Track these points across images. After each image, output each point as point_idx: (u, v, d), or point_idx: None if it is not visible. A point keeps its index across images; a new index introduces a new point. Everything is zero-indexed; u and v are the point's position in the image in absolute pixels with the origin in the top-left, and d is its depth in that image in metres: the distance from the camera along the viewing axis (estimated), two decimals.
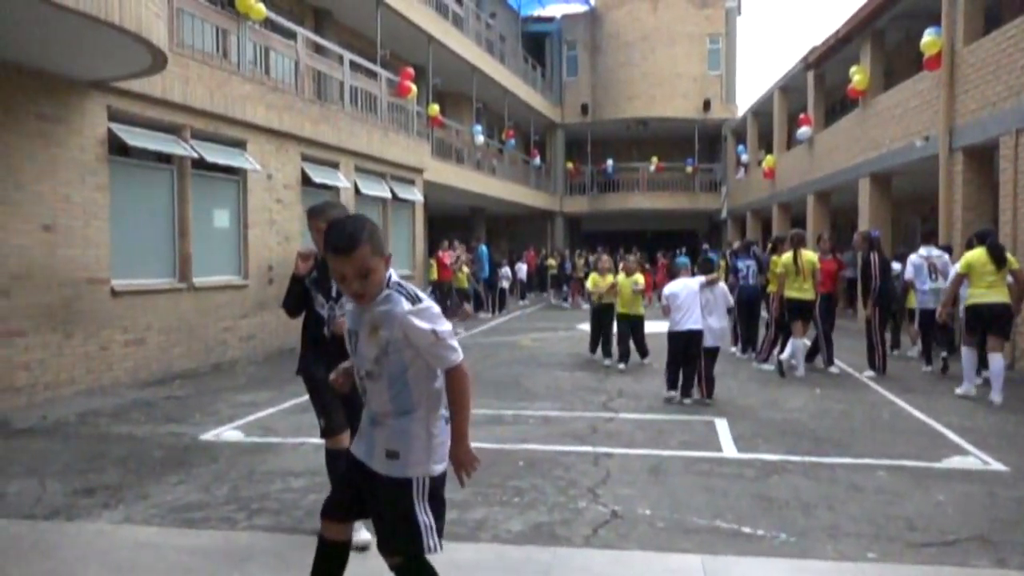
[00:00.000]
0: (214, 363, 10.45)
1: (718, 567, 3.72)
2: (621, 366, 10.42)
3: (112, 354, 8.78)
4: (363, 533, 3.93)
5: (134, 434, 6.60)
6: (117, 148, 8.99)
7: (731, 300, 8.80)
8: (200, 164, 10.19)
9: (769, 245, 11.45)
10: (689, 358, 8.02)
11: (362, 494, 2.68)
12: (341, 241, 2.49)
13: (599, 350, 11.27)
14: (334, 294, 4.07)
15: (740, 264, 11.45)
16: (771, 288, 10.47)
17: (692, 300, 7.96)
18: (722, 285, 8.59)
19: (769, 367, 10.17)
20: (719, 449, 6.10)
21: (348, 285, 2.56)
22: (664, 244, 29.73)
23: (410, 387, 2.57)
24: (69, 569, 3.66)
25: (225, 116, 10.52)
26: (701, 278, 8.22)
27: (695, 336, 7.94)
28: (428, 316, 2.53)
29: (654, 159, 32.79)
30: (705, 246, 23.47)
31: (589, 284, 11.20)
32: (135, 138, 9.02)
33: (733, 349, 11.87)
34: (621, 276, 10.67)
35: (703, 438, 6.48)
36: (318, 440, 4.34)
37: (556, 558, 3.83)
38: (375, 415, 2.64)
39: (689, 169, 32.92)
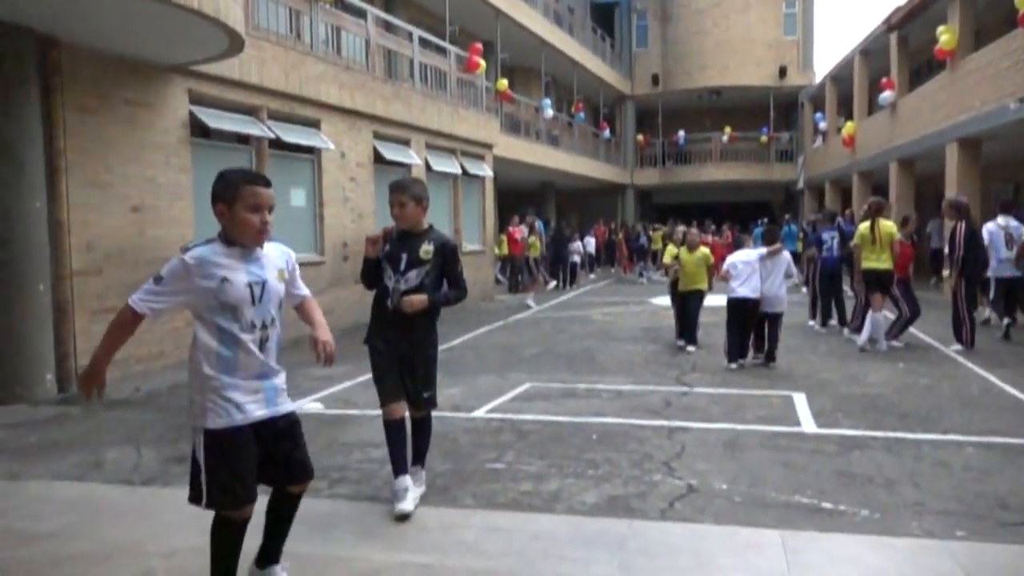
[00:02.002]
0: (293, 338, 10.74)
1: (798, 543, 3.67)
2: (691, 348, 9.63)
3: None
4: (406, 503, 4.05)
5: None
6: (198, 130, 9.28)
7: (793, 269, 9.08)
8: (276, 144, 10.43)
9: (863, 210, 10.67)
10: (745, 324, 8.54)
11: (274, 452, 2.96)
12: None
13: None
14: (402, 268, 4.14)
15: (825, 236, 11.10)
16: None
17: (751, 270, 8.44)
18: (785, 254, 8.83)
19: (898, 344, 9.59)
20: (797, 424, 5.99)
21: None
22: (737, 216, 29.07)
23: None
24: (166, 532, 3.85)
25: (300, 96, 10.73)
26: (763, 249, 8.67)
27: (749, 303, 8.42)
28: None
29: (727, 129, 32.00)
30: (787, 216, 22.82)
31: (666, 258, 10.48)
32: (215, 120, 9.29)
33: (811, 323, 11.58)
34: (683, 251, 9.87)
35: (781, 413, 6.36)
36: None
37: (632, 530, 3.84)
38: (271, 368, 2.97)
39: (764, 139, 32.03)
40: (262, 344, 2.92)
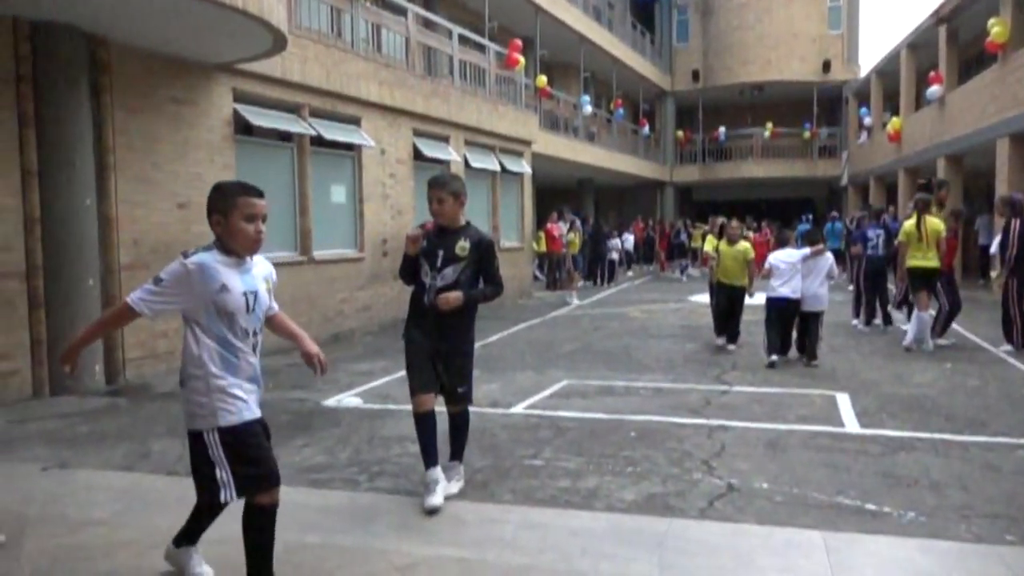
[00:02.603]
0: (333, 333, 10.88)
1: (841, 544, 3.61)
2: (731, 347, 9.44)
3: None
4: (436, 497, 4.08)
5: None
6: (241, 128, 9.42)
7: (835, 271, 8.91)
8: (318, 141, 10.55)
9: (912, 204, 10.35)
10: (786, 324, 8.55)
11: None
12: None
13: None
14: (439, 265, 4.16)
15: (871, 233, 10.89)
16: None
17: (792, 270, 8.42)
18: (828, 255, 8.73)
19: (945, 342, 9.44)
20: (841, 424, 5.89)
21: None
22: (779, 213, 28.65)
23: None
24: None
25: (340, 94, 10.84)
26: (806, 249, 8.59)
27: (791, 303, 8.41)
28: None
29: (769, 125, 31.54)
30: (834, 214, 22.40)
31: (707, 246, 10.29)
32: (258, 118, 9.43)
33: (855, 322, 11.37)
34: (723, 243, 9.58)
35: (823, 412, 6.27)
36: (437, 408, 4.48)
37: (671, 528, 3.82)
38: (258, 373, 3.06)
39: (807, 134, 31.51)
40: (253, 349, 3.05)
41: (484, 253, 4.25)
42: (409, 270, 4.28)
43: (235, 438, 2.90)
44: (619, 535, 3.74)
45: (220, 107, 8.98)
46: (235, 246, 2.96)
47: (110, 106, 7.61)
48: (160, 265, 8.58)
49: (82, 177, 7.24)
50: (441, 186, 4.22)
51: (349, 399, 6.95)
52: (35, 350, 6.98)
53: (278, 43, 8.00)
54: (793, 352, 8.71)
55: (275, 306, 3.23)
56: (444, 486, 4.20)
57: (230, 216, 2.92)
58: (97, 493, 4.40)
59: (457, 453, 4.44)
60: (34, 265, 6.98)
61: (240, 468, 2.90)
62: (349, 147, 11.42)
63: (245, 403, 2.95)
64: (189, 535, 3.28)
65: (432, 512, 4.03)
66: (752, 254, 9.53)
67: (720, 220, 10.83)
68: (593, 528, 3.83)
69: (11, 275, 6.82)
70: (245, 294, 2.97)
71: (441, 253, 4.19)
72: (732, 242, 9.49)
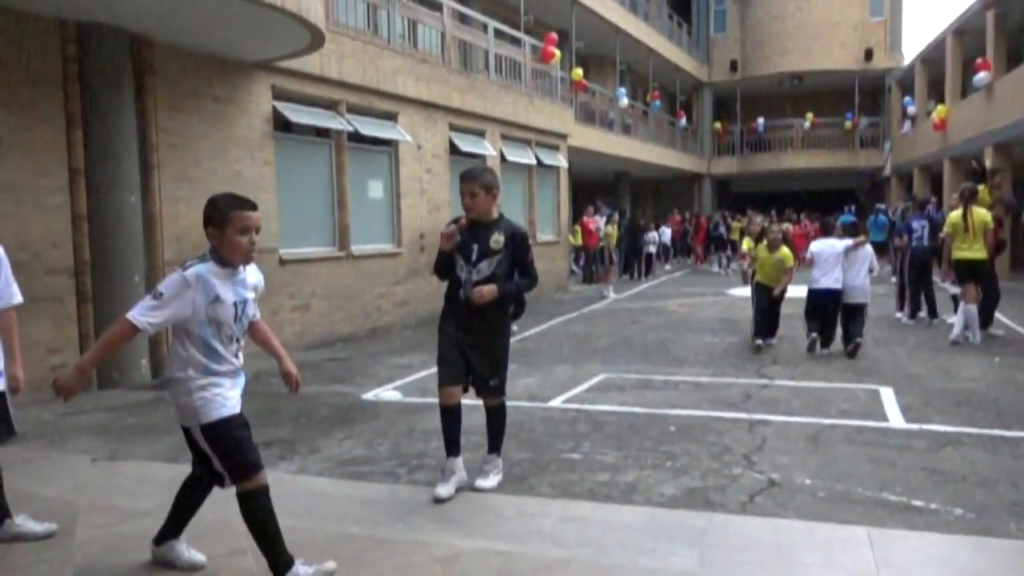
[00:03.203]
0: (371, 327, 10.97)
1: (886, 540, 3.55)
2: (771, 341, 9.14)
3: (281, 319, 9.40)
4: (447, 487, 4.16)
5: (303, 393, 7.01)
6: (280, 125, 9.53)
7: (875, 263, 8.84)
8: (355, 137, 10.63)
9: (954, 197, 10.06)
10: (827, 315, 8.53)
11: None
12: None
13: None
14: (473, 259, 4.17)
15: (915, 224, 10.68)
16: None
17: (833, 260, 8.42)
18: (868, 248, 8.73)
19: (998, 332, 9.42)
20: (885, 419, 5.78)
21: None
22: (819, 204, 28.16)
23: None
24: None
25: (377, 90, 10.90)
26: (848, 241, 8.58)
27: (833, 294, 8.41)
28: None
29: (809, 115, 31.00)
30: (880, 206, 21.93)
31: (744, 245, 9.91)
32: (296, 114, 9.53)
33: (899, 315, 11.15)
34: (762, 248, 9.04)
35: (867, 407, 6.16)
36: (470, 402, 4.50)
37: (711, 523, 3.79)
38: (241, 373, 3.25)
39: (848, 124, 30.91)
40: (236, 355, 3.22)
41: (518, 246, 4.25)
42: (444, 266, 4.30)
43: (220, 430, 3.07)
44: (658, 529, 3.72)
45: (259, 105, 9.10)
46: (230, 257, 3.12)
47: (153, 105, 7.76)
48: None
49: (127, 176, 7.40)
50: (473, 179, 4.22)
51: (388, 393, 7.01)
52: (83, 344, 7.15)
53: (316, 40, 8.07)
54: (836, 344, 8.58)
55: (258, 313, 3.40)
56: (460, 478, 4.26)
57: (225, 229, 3.07)
58: (144, 484, 4.50)
59: (495, 446, 4.45)
60: (82, 261, 7.15)
61: (232, 456, 3.08)
62: (386, 143, 11.49)
63: (224, 400, 3.10)
64: (173, 529, 3.40)
65: (438, 501, 4.09)
66: (791, 262, 8.96)
67: (758, 220, 10.45)
68: (632, 522, 3.82)
69: (60, 271, 7.00)
70: (235, 304, 3.15)
71: (476, 247, 4.19)
72: (773, 248, 9.01)
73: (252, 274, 3.28)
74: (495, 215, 4.30)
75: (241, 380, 3.26)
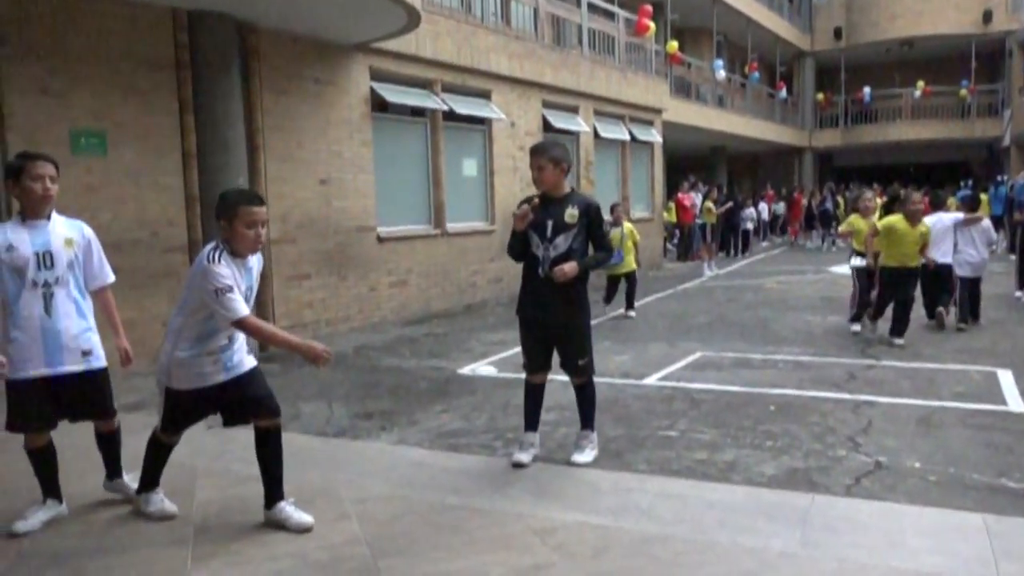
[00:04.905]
0: (466, 304, 11.13)
1: (1006, 529, 3.37)
2: (898, 342, 7.67)
3: (379, 295, 9.66)
4: (523, 455, 4.27)
5: (401, 367, 7.26)
6: (377, 105, 9.73)
7: (993, 236, 8.61)
8: (449, 116, 10.74)
9: None
10: (936, 288, 8.29)
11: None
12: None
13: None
14: (549, 235, 4.15)
15: None
16: None
17: (944, 234, 8.14)
18: (986, 222, 8.50)
19: None
20: (1003, 402, 5.48)
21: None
22: (929, 178, 26.71)
23: None
24: (359, 481, 4.14)
25: (471, 68, 10.97)
26: (959, 214, 8.38)
27: (941, 269, 8.11)
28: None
29: (920, 83, 29.32)
30: (1003, 177, 20.58)
31: (843, 228, 9.00)
32: (393, 95, 9.70)
33: (1019, 294, 10.50)
34: (899, 221, 7.58)
35: (983, 389, 5.85)
36: (565, 378, 4.52)
37: (815, 505, 3.69)
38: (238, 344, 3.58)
39: (963, 92, 29.08)
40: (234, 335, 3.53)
41: (592, 218, 4.22)
42: (518, 246, 4.28)
43: (174, 398, 3.52)
44: (759, 509, 3.65)
45: (358, 85, 9.30)
46: (239, 248, 3.38)
47: (259, 89, 8.05)
48: (306, 240, 9.01)
49: (235, 158, 7.71)
50: (540, 153, 4.20)
51: (483, 368, 7.11)
52: None
53: (412, 20, 8.17)
54: (951, 319, 8.36)
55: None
56: (535, 451, 4.37)
57: (233, 222, 3.33)
58: (253, 451, 4.71)
59: (587, 422, 4.46)
60: (195, 240, 7.51)
61: (168, 415, 3.58)
62: (480, 121, 11.57)
63: (200, 376, 3.46)
64: (272, 490, 3.60)
65: (516, 466, 4.22)
66: (929, 235, 7.76)
67: (869, 195, 9.15)
68: (731, 501, 3.76)
69: (175, 249, 7.38)
70: (247, 289, 3.44)
71: (550, 223, 4.17)
72: (914, 221, 7.46)
73: (255, 259, 3.55)
74: (566, 189, 4.28)
75: (229, 353, 3.53)
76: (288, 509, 3.56)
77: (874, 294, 7.93)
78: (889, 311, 7.78)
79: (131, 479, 3.85)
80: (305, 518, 3.54)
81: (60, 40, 6.53)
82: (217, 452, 4.65)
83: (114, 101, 6.89)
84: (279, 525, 3.53)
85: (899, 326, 7.63)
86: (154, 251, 7.19)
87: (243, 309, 3.28)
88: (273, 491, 3.58)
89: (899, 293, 7.61)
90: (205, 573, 3.15)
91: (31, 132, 6.30)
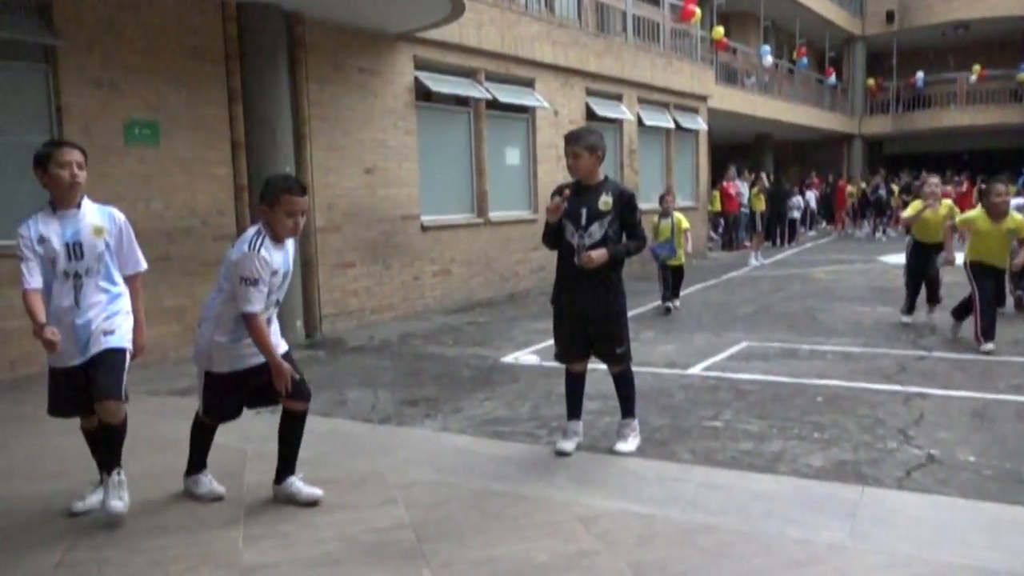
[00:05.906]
0: (509, 293, 11.16)
1: None
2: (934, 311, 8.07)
3: (423, 283, 9.73)
4: (567, 443, 4.27)
5: (445, 355, 7.31)
6: (422, 95, 9.77)
7: None
8: (493, 105, 10.74)
9: None
10: (995, 278, 7.67)
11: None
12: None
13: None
14: (583, 223, 4.12)
15: None
16: None
17: None
18: None
19: None
20: None
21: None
22: (984, 165, 25.90)
23: None
24: (404, 466, 4.18)
25: (515, 57, 10.95)
26: (1020, 199, 8.08)
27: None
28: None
29: (976, 67, 28.43)
30: None
31: (908, 211, 8.35)
32: (437, 84, 9.73)
33: None
34: (980, 217, 6.91)
35: None
36: (605, 367, 4.50)
37: (864, 497, 3.63)
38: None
39: (1021, 76, 28.12)
40: (271, 317, 3.63)
41: (626, 206, 4.19)
42: (553, 235, 4.27)
43: (215, 382, 3.61)
44: (806, 500, 3.60)
45: (403, 74, 9.35)
46: (278, 233, 3.47)
47: (305, 79, 8.14)
48: (351, 228, 9.10)
49: (282, 147, 7.82)
50: (576, 140, 4.18)
51: (526, 356, 7.12)
52: None
53: (456, 9, 8.19)
54: (1009, 306, 8.13)
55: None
56: (579, 439, 4.36)
57: (275, 207, 3.42)
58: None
59: (628, 411, 4.44)
60: (243, 228, 7.62)
61: (209, 400, 3.66)
62: (523, 109, 11.55)
63: (239, 358, 3.56)
64: (285, 466, 3.71)
65: (560, 454, 4.22)
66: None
67: (933, 180, 8.47)
68: (778, 492, 3.72)
69: (224, 237, 7.51)
70: (285, 274, 3.54)
71: (584, 211, 4.15)
72: (998, 216, 6.71)
73: (291, 243, 3.64)
74: (600, 177, 4.25)
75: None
76: (298, 483, 3.66)
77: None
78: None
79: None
80: (315, 491, 3.64)
81: (113, 33, 6.68)
82: (266, 437, 4.72)
83: (166, 92, 7.03)
84: (288, 499, 3.64)
85: (989, 329, 6.74)
86: (204, 239, 7.34)
87: (258, 305, 3.39)
88: (285, 468, 3.69)
89: (987, 290, 6.82)
90: (256, 552, 3.22)
91: (86, 123, 6.47)
